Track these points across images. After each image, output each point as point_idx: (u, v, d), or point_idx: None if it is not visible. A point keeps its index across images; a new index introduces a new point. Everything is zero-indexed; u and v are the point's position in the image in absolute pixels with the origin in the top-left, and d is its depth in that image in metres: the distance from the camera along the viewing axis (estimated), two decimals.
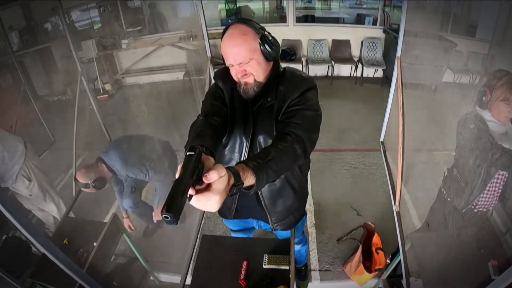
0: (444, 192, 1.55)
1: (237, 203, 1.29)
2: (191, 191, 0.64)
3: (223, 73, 1.15)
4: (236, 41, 1.01)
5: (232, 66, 1.05)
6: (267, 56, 1.05)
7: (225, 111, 1.11)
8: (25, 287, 1.74)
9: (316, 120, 1.06)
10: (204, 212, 1.99)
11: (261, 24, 1.08)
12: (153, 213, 2.22)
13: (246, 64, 1.03)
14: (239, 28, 1.03)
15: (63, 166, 2.63)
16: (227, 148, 1.17)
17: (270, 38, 1.04)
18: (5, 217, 0.96)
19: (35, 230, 1.05)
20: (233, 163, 1.15)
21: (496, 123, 1.25)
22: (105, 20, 5.03)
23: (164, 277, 2.24)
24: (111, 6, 4.95)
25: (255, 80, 1.06)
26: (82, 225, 1.95)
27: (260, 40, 1.02)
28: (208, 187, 0.66)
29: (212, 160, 0.71)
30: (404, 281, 1.49)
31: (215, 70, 2.45)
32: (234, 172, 0.72)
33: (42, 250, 1.10)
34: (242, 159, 1.15)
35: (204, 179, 0.65)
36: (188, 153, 0.66)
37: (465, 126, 1.35)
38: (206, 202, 0.65)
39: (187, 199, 0.63)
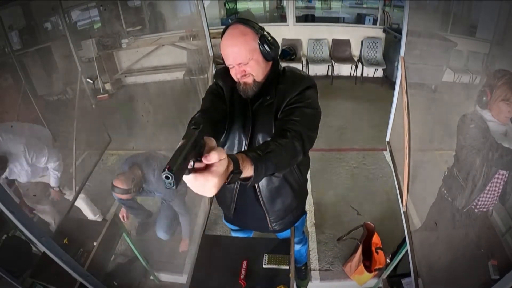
0: (444, 191, 1.55)
1: (236, 202, 1.29)
2: (197, 164, 0.63)
3: (223, 72, 1.15)
4: (235, 41, 1.02)
5: (232, 66, 1.05)
6: (266, 56, 1.05)
7: (224, 108, 1.12)
8: (25, 286, 1.74)
9: (315, 118, 1.06)
10: (209, 212, 2.00)
11: (261, 24, 1.08)
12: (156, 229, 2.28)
13: (246, 65, 1.03)
14: (238, 28, 1.03)
15: (63, 165, 2.62)
16: (226, 146, 1.17)
17: (269, 38, 1.04)
18: (5, 217, 0.96)
19: (38, 231, 1.05)
20: None
21: (496, 123, 1.25)
22: (105, 20, 5.03)
23: (164, 277, 2.24)
24: (111, 6, 4.95)
25: (254, 80, 1.06)
26: (82, 224, 1.95)
27: (260, 40, 1.03)
28: (208, 168, 0.64)
29: (214, 141, 0.68)
30: (412, 280, 1.49)
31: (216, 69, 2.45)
32: (233, 160, 0.71)
33: (45, 251, 1.10)
34: None
35: (204, 159, 0.63)
36: (192, 127, 0.65)
37: (465, 125, 1.35)
38: (204, 183, 0.63)
39: (186, 172, 0.61)
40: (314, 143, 1.03)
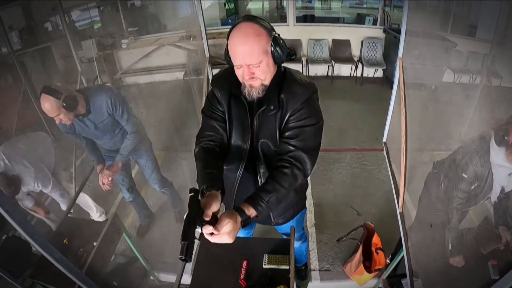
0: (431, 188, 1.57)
1: (235, 201, 1.29)
2: (205, 230, 0.86)
3: (220, 79, 1.13)
4: (248, 41, 0.95)
5: (240, 66, 1.00)
6: (277, 60, 1.01)
7: (225, 127, 1.13)
8: (25, 287, 1.74)
9: (316, 134, 1.08)
10: None
11: None
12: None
13: (256, 67, 0.99)
14: (252, 28, 0.96)
15: (64, 165, 2.63)
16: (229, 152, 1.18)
17: (281, 40, 1.00)
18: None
19: (31, 229, 1.05)
20: (233, 167, 1.19)
21: (506, 168, 1.23)
22: (105, 20, 5.03)
23: (164, 277, 2.24)
24: (111, 6, 4.95)
25: (261, 84, 1.03)
26: (82, 224, 1.95)
27: (272, 42, 0.98)
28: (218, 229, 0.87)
29: (217, 203, 0.89)
30: (408, 281, 1.49)
31: (212, 70, 2.45)
32: (239, 211, 0.92)
33: (38, 248, 1.10)
34: (242, 164, 1.17)
35: (215, 230, 0.86)
36: (189, 195, 0.87)
37: (467, 155, 1.33)
38: (220, 240, 0.88)
39: (200, 235, 0.85)
40: (316, 160, 1.08)
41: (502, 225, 1.38)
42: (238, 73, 1.03)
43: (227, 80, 1.09)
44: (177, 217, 2.56)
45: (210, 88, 1.18)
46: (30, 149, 2.10)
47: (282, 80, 1.08)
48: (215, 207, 0.88)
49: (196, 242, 0.82)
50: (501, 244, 1.35)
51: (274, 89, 1.06)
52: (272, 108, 1.06)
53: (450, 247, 1.40)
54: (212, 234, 0.87)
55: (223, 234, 0.87)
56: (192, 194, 0.86)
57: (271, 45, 0.98)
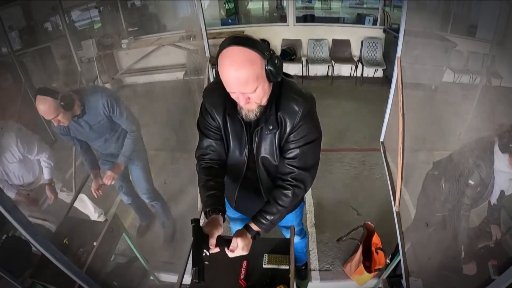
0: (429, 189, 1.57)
1: (237, 196, 1.30)
2: (214, 250, 1.00)
3: (213, 94, 1.10)
4: (241, 71, 0.88)
5: (234, 92, 0.96)
6: (272, 81, 0.97)
7: (222, 144, 1.14)
8: (25, 287, 1.74)
9: (316, 151, 1.11)
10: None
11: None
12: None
13: (251, 94, 0.95)
14: (244, 54, 0.88)
15: (64, 165, 2.63)
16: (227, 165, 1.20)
17: (276, 60, 0.93)
18: (5, 217, 0.96)
19: (32, 229, 1.05)
20: (234, 176, 1.22)
21: (508, 174, 1.23)
22: (105, 20, 5.02)
23: (164, 277, 2.24)
24: (111, 6, 4.95)
25: (258, 106, 1.01)
26: (82, 224, 1.95)
27: (267, 64, 0.91)
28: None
29: (219, 228, 1.01)
30: (404, 281, 1.49)
31: (213, 70, 2.45)
32: (249, 228, 1.08)
33: (39, 248, 1.10)
34: (241, 174, 1.20)
35: (230, 251, 1.05)
36: (192, 224, 0.98)
37: (469, 150, 1.33)
38: (237, 254, 1.06)
39: (207, 256, 0.95)
40: (316, 173, 1.16)
41: (494, 224, 1.39)
42: (233, 96, 0.99)
43: (220, 96, 1.05)
44: (166, 235, 2.44)
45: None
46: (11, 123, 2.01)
47: (279, 94, 1.03)
48: (217, 233, 1.00)
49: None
50: (491, 241, 1.36)
51: (271, 107, 1.03)
52: (271, 128, 1.05)
53: (463, 255, 1.39)
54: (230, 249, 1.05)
55: (237, 251, 1.04)
56: (194, 224, 0.97)
57: (266, 68, 0.92)
